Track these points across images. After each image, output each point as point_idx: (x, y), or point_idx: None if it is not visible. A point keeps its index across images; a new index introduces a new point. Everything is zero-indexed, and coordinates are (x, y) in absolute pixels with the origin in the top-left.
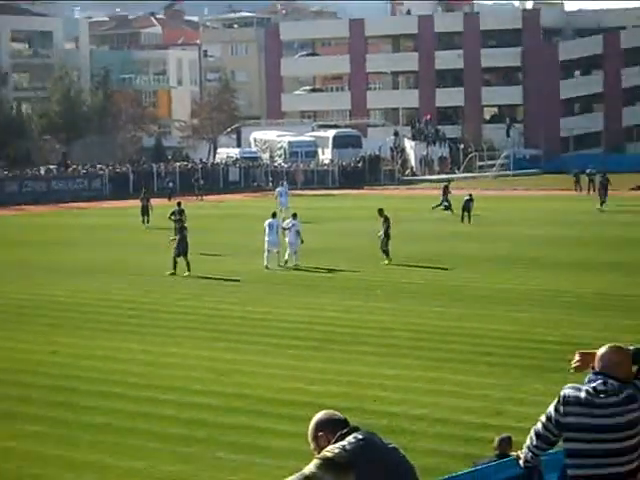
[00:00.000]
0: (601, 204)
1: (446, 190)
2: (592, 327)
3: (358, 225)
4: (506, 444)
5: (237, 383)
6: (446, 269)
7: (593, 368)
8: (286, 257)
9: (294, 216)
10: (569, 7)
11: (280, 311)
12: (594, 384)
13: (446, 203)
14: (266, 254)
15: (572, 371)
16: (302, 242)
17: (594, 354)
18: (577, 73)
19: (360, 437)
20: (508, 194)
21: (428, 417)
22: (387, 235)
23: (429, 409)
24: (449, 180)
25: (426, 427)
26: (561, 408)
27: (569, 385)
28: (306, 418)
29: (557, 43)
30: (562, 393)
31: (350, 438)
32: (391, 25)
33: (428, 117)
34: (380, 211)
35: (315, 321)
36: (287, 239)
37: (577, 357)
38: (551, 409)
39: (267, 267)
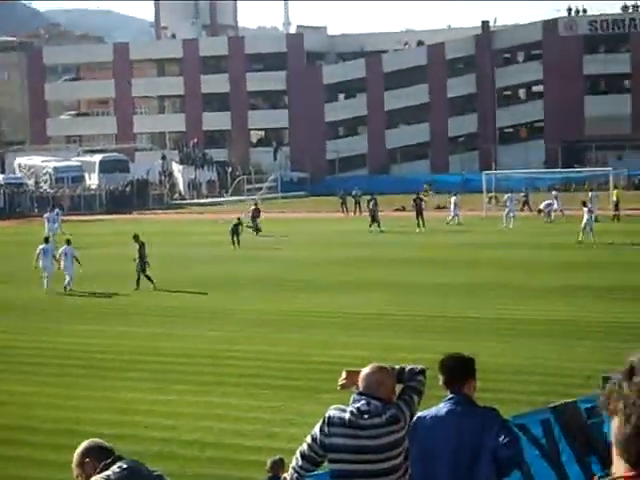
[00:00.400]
0: (370, 225)
1: (255, 213)
2: (362, 347)
3: (125, 250)
4: (278, 466)
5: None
6: (223, 292)
7: (358, 387)
8: (65, 283)
9: (68, 242)
10: (332, 31)
11: (51, 339)
12: (358, 405)
13: (253, 225)
14: (45, 279)
15: (339, 389)
16: (80, 265)
17: (360, 373)
18: (341, 96)
19: (124, 466)
20: (276, 217)
21: (199, 442)
22: (143, 260)
23: (200, 434)
24: (256, 202)
25: (197, 452)
26: (326, 429)
27: (334, 406)
28: (72, 447)
29: (321, 67)
30: (327, 414)
31: (114, 468)
32: (156, 49)
33: (195, 141)
34: (135, 237)
35: (86, 349)
36: (62, 265)
37: (343, 375)
38: (316, 430)
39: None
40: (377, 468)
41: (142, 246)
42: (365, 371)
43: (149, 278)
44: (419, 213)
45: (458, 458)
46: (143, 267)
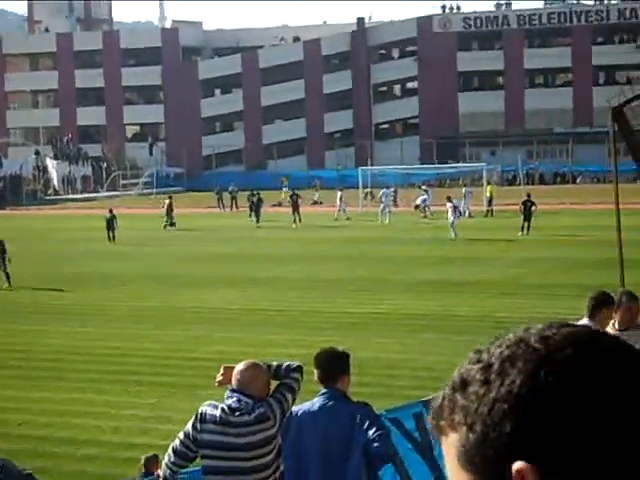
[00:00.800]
0: (257, 221)
1: (170, 207)
2: (240, 343)
3: None
4: (151, 463)
5: None
6: (98, 289)
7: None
8: None
9: None
10: (208, 26)
11: None
12: (229, 402)
13: (170, 220)
14: None
15: (216, 385)
16: None
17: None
18: (217, 92)
19: None
20: (153, 212)
21: (74, 439)
22: (3, 258)
23: (75, 431)
24: (170, 197)
25: (72, 450)
26: (198, 425)
27: (208, 402)
28: None
29: (197, 62)
30: (200, 410)
31: None
32: (29, 43)
33: (70, 136)
34: None
35: None
36: None
37: (221, 371)
38: (189, 426)
39: None
40: (245, 466)
41: (0, 243)
42: (238, 367)
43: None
44: (295, 209)
45: (329, 452)
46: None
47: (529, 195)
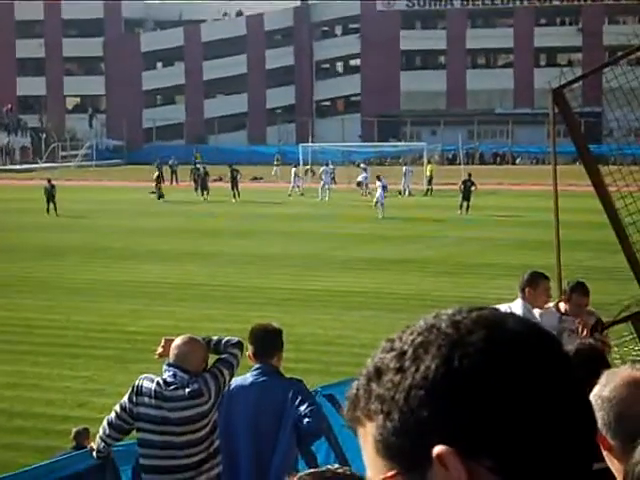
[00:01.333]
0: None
1: (158, 180)
2: (175, 317)
3: None
4: (82, 436)
5: None
6: (34, 260)
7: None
8: None
9: None
10: None
11: None
12: (165, 375)
13: (156, 191)
14: None
15: (157, 357)
16: None
17: None
18: (159, 65)
19: None
20: (91, 185)
21: (7, 411)
22: None
23: (8, 403)
24: (159, 167)
25: (5, 422)
26: (134, 398)
27: (145, 375)
28: None
29: (139, 34)
30: (136, 383)
31: None
32: None
33: (9, 107)
34: None
35: None
36: None
37: (162, 343)
38: (125, 399)
39: None
40: (178, 440)
41: None
42: (176, 342)
43: None
44: (234, 185)
45: (260, 427)
46: None
47: (470, 175)
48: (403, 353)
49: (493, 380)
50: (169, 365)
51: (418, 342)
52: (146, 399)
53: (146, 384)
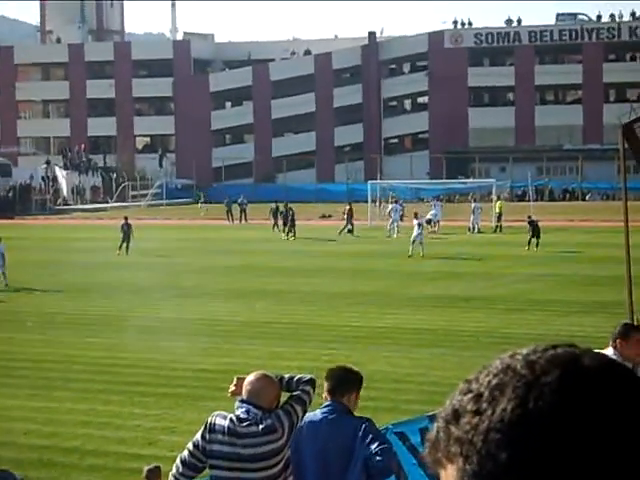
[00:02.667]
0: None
1: (350, 213)
2: (246, 355)
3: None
4: (153, 474)
5: None
6: (105, 298)
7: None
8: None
9: None
10: (219, 39)
11: None
12: (238, 412)
13: (349, 227)
14: None
15: (229, 395)
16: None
17: None
18: (228, 104)
19: None
20: (162, 223)
21: (80, 449)
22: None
23: (80, 441)
24: (350, 203)
25: (78, 460)
26: (207, 435)
27: (217, 412)
28: None
29: (208, 74)
30: (209, 420)
31: None
32: (41, 53)
33: (82, 147)
34: None
35: None
36: None
37: (234, 382)
38: (198, 436)
39: None
40: (252, 477)
41: None
42: (249, 378)
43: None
44: (286, 223)
45: (328, 464)
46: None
47: (530, 217)
48: (480, 395)
49: (569, 420)
50: (242, 402)
51: (494, 384)
52: (219, 436)
53: (219, 421)
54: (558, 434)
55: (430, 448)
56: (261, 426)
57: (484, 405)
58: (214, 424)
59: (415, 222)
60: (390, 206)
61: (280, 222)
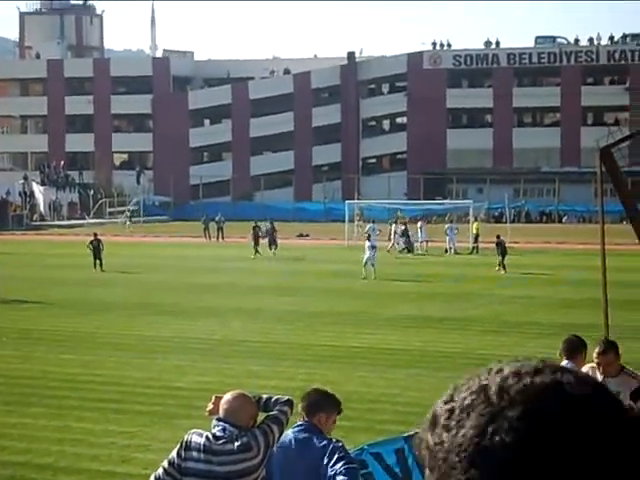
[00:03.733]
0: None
1: (406, 229)
2: (222, 373)
3: None
4: None
5: None
6: (81, 315)
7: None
8: None
9: None
10: (199, 56)
11: None
12: (214, 430)
13: (406, 245)
14: None
15: (207, 414)
16: None
17: None
18: (207, 122)
19: None
20: (138, 240)
21: (53, 466)
22: None
23: (54, 457)
24: (398, 216)
25: (51, 476)
26: (183, 453)
27: (194, 430)
28: None
29: (187, 92)
30: (185, 438)
31: None
32: (20, 68)
33: (62, 164)
34: None
35: None
36: None
37: (212, 400)
38: (174, 454)
39: None
40: None
41: None
42: (226, 397)
43: None
44: (256, 242)
45: None
46: None
47: (498, 236)
48: (452, 411)
49: (520, 462)
50: (219, 420)
51: (466, 404)
52: (194, 453)
53: (195, 439)
54: (507, 472)
55: (416, 446)
56: (237, 444)
57: (452, 423)
58: (190, 441)
59: (367, 244)
60: (368, 226)
61: (264, 241)
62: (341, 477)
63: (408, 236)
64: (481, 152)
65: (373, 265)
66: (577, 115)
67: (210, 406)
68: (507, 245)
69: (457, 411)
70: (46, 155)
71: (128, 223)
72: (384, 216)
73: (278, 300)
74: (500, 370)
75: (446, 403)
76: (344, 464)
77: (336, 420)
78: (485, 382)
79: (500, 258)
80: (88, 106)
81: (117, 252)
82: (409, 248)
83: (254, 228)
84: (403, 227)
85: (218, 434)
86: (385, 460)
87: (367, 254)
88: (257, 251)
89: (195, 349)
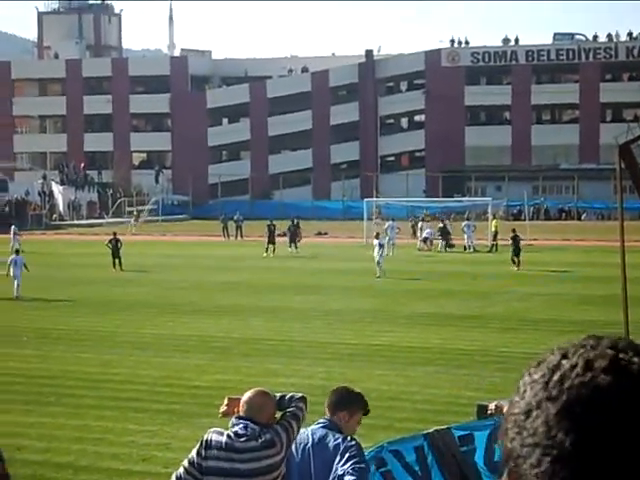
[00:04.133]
0: (290, 246)
1: (445, 227)
2: (240, 372)
3: None
4: None
5: None
6: (100, 314)
7: (238, 413)
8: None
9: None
10: (216, 55)
11: None
12: (235, 428)
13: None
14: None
15: (220, 416)
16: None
17: (240, 400)
18: (225, 121)
19: None
20: (157, 239)
21: (73, 465)
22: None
23: (74, 456)
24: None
25: (71, 475)
26: (203, 452)
27: (214, 429)
28: None
29: (205, 91)
30: (205, 437)
31: None
32: (38, 68)
33: (82, 165)
34: None
35: None
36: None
37: (225, 402)
38: (194, 453)
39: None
40: None
41: None
42: (247, 395)
43: None
44: (270, 240)
45: (312, 478)
46: None
47: (514, 230)
48: (529, 409)
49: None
50: (239, 418)
51: (537, 400)
52: (215, 452)
53: (215, 437)
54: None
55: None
56: (260, 440)
57: (528, 424)
58: (210, 440)
59: (375, 242)
60: (387, 224)
61: (284, 239)
62: (349, 477)
63: (447, 232)
64: (500, 149)
65: (379, 264)
66: (596, 112)
67: (223, 408)
68: (526, 242)
69: (533, 406)
70: (65, 155)
71: (133, 222)
72: (403, 214)
73: (296, 298)
74: (588, 360)
75: (534, 393)
76: (353, 464)
77: (361, 420)
78: (563, 373)
79: (512, 254)
80: (107, 106)
81: (136, 251)
82: (449, 244)
83: (268, 226)
84: (442, 225)
85: (240, 432)
86: (405, 458)
87: (376, 253)
88: (267, 250)
89: (214, 348)
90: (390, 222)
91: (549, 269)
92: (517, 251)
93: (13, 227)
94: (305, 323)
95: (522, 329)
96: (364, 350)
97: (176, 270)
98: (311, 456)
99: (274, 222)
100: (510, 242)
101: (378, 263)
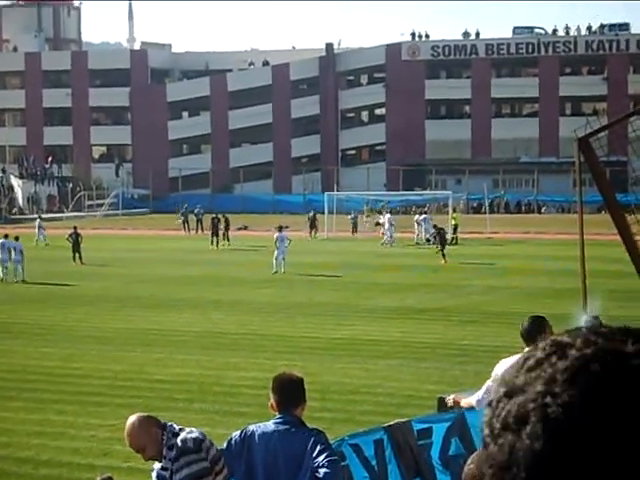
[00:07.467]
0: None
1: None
2: (200, 365)
3: None
4: None
5: None
6: (61, 308)
7: None
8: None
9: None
10: (177, 49)
11: None
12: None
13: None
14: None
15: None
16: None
17: None
18: (185, 114)
19: None
20: (117, 233)
21: (34, 459)
22: None
23: (35, 451)
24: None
25: (32, 469)
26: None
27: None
28: None
29: (165, 84)
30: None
31: None
32: None
33: (49, 160)
34: None
35: None
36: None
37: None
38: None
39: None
40: None
41: None
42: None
43: None
44: (215, 233)
45: (279, 477)
46: None
47: (435, 226)
48: (523, 409)
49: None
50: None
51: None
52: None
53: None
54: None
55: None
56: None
57: (513, 426)
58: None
59: (276, 235)
60: (348, 217)
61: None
62: (324, 470)
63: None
64: (460, 143)
65: (283, 260)
66: (555, 105)
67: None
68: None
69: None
70: (24, 148)
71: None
72: (363, 207)
73: (258, 292)
74: (581, 355)
75: (521, 385)
76: (326, 456)
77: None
78: (557, 368)
79: (439, 247)
80: (66, 99)
81: (97, 245)
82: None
83: (212, 220)
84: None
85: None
86: (363, 452)
87: (277, 250)
88: (212, 242)
89: (175, 341)
90: (351, 215)
91: (509, 262)
92: (443, 245)
93: (38, 220)
94: (266, 317)
95: (483, 322)
96: (325, 343)
97: (137, 264)
98: (276, 451)
99: (219, 216)
100: (436, 236)
101: (277, 258)
